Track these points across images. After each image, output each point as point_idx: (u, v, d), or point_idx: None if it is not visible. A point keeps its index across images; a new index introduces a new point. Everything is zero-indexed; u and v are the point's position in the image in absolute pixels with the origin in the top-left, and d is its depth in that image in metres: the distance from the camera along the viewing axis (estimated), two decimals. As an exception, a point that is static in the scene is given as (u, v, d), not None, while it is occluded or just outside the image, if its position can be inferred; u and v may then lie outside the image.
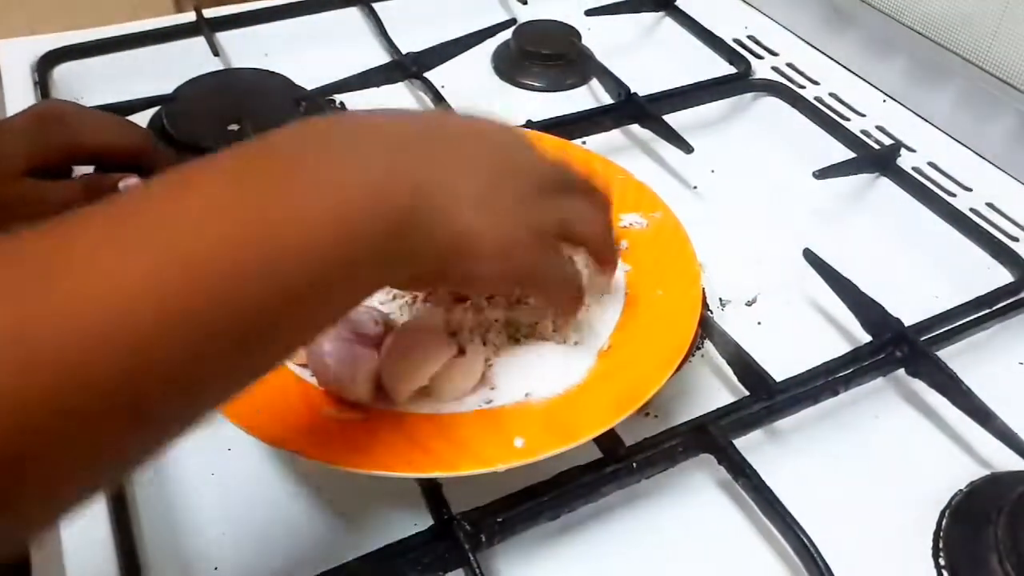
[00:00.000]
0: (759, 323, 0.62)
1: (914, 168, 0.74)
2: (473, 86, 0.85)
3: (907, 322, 0.57)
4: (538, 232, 0.43)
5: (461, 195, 0.39)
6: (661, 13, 0.94)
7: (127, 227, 0.30)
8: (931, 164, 0.75)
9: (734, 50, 0.86)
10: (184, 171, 0.33)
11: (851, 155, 0.74)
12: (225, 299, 0.30)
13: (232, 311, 0.30)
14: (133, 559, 0.45)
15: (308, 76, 0.79)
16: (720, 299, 0.64)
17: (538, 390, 0.48)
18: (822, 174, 0.70)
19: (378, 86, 0.79)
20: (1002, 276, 0.64)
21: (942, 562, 0.48)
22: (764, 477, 0.48)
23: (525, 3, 0.95)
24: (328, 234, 0.33)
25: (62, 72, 0.82)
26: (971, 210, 0.70)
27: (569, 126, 0.73)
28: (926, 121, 0.79)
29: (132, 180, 0.56)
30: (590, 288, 0.51)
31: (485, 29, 0.85)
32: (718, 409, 0.52)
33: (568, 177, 0.46)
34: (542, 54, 0.87)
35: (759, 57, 0.88)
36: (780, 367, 0.54)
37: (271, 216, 0.32)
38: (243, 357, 0.32)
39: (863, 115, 0.81)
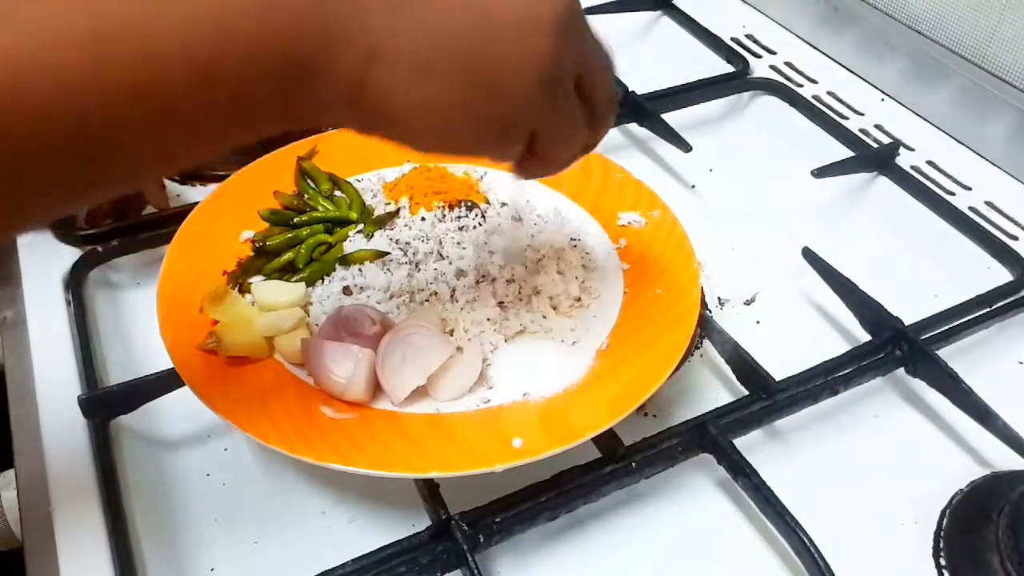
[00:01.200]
0: (758, 322, 0.62)
1: (913, 167, 0.74)
2: (470, 85, 0.85)
3: (906, 321, 0.57)
4: (501, 130, 0.37)
5: (401, 50, 0.33)
6: (658, 12, 0.94)
7: None
8: (930, 163, 0.75)
9: (732, 49, 0.86)
10: None
11: (850, 154, 0.74)
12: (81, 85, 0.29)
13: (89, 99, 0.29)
14: (129, 559, 0.45)
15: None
16: (719, 298, 0.63)
17: (536, 389, 0.48)
18: (821, 173, 0.70)
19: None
20: (1001, 275, 0.64)
21: (943, 562, 0.48)
22: (763, 477, 0.48)
23: (522, 2, 0.95)
24: (205, 35, 0.31)
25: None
26: (970, 209, 0.70)
27: (567, 125, 0.73)
28: (925, 120, 0.79)
29: None
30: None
31: (482, 28, 0.84)
32: (717, 408, 0.52)
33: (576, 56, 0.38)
34: (540, 53, 0.86)
35: (757, 56, 0.88)
36: (779, 366, 0.54)
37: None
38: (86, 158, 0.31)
39: (861, 114, 0.80)
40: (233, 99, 0.33)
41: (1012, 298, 0.61)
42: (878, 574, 0.48)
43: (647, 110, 0.75)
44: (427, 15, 0.34)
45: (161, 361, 0.49)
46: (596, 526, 0.49)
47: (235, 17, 0.31)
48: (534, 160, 0.41)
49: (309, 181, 0.61)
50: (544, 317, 0.52)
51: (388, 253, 0.55)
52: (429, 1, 0.34)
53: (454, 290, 0.53)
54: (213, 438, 0.52)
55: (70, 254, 0.61)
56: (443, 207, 0.59)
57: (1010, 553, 0.46)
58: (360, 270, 0.54)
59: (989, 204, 0.71)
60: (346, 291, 0.53)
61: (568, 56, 0.37)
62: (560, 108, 0.38)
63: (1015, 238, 0.68)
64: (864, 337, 0.58)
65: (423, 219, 0.58)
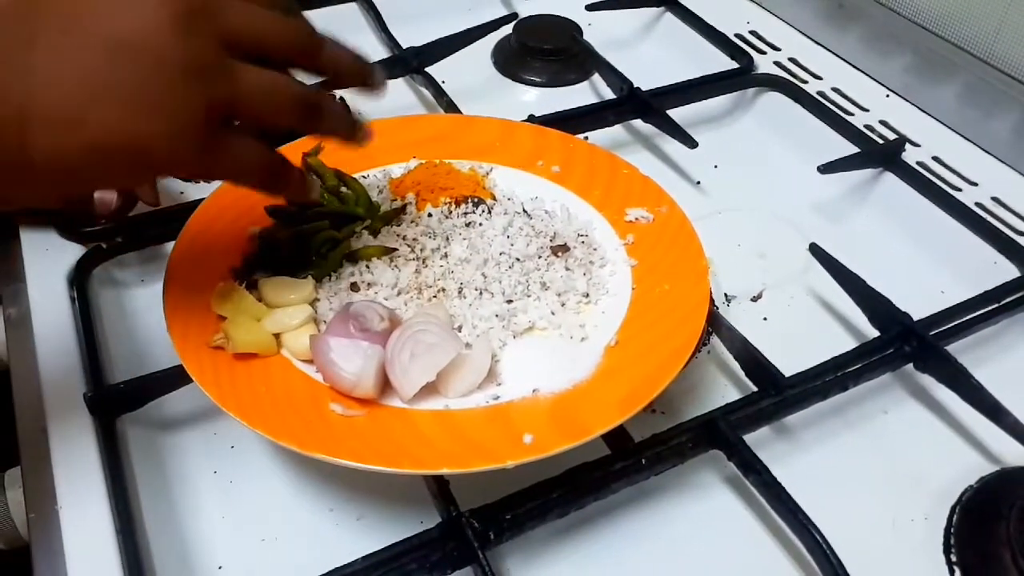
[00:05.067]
0: (765, 318, 0.62)
1: (919, 163, 0.74)
2: (474, 81, 0.85)
3: (914, 317, 0.57)
4: (188, 124, 0.37)
5: (42, 119, 0.35)
6: (662, 8, 0.93)
7: None
8: (936, 159, 0.74)
9: (736, 45, 0.86)
10: None
11: (855, 150, 0.74)
12: None
13: None
14: (136, 557, 0.44)
15: (308, 71, 0.78)
16: (725, 294, 0.63)
17: (546, 386, 0.48)
18: (827, 169, 0.70)
19: (378, 81, 0.79)
20: (1008, 271, 0.64)
21: (953, 558, 0.48)
22: (774, 473, 0.48)
23: (525, -2, 0.95)
24: None
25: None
26: (977, 204, 0.69)
27: (572, 121, 0.73)
28: (930, 116, 0.79)
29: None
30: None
31: (486, 24, 0.84)
32: (727, 405, 0.52)
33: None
34: (543, 49, 0.86)
35: (761, 52, 0.87)
36: (787, 362, 0.53)
37: None
38: None
39: (866, 110, 0.80)
40: None
41: (1020, 294, 0.60)
42: (889, 571, 0.48)
43: (652, 106, 0.75)
44: (60, 66, 0.35)
45: (167, 358, 0.49)
46: (606, 522, 0.49)
47: None
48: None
49: (315, 177, 0.60)
50: (552, 313, 0.52)
51: (396, 249, 0.55)
52: (57, 48, 0.35)
53: (462, 286, 0.53)
54: (220, 435, 0.52)
55: (74, 251, 0.60)
56: (450, 203, 0.58)
57: (1021, 549, 0.46)
58: (367, 266, 0.54)
59: (996, 200, 0.71)
60: (354, 287, 0.53)
61: (211, 26, 0.37)
62: (236, 71, 0.39)
63: (1022, 233, 0.68)
64: (872, 333, 0.58)
65: (430, 215, 0.58)
